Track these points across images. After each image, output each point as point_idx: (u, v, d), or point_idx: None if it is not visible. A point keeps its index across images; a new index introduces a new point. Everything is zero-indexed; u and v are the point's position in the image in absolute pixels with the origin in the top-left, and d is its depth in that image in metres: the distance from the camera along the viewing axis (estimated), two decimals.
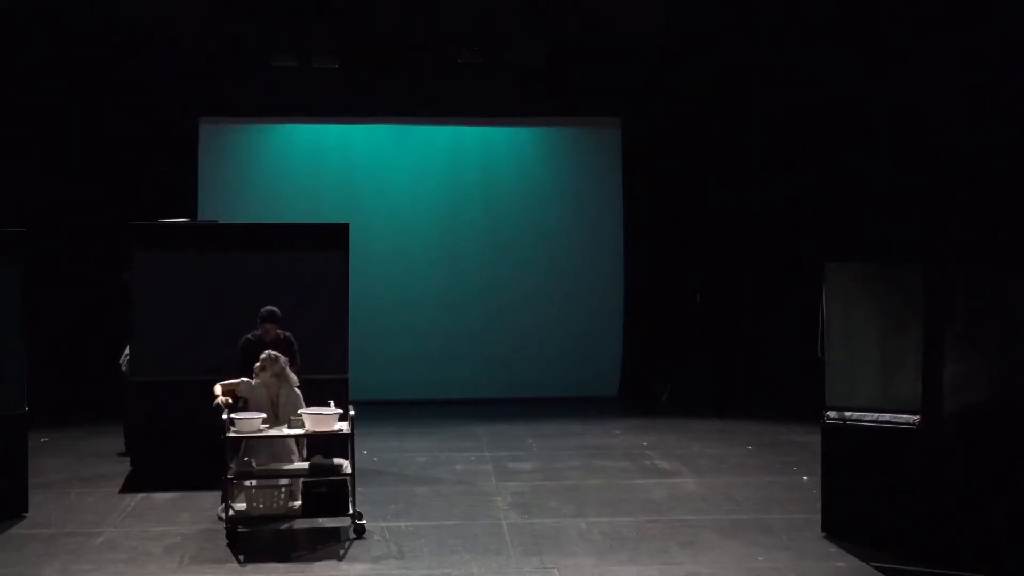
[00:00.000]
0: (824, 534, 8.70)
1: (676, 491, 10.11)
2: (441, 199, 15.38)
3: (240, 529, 8.73)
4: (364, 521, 8.83)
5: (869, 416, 8.53)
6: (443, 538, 8.73)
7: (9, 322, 9.18)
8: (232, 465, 8.74)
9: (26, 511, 9.32)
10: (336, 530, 8.87)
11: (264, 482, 8.75)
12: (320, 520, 8.87)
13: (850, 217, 14.28)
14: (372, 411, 13.42)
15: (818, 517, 8.82)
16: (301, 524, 8.91)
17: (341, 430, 8.88)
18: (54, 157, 14.51)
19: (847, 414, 8.61)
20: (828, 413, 8.67)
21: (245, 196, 14.96)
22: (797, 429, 12.56)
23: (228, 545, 8.49)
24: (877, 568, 8.00)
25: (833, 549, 8.43)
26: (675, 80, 15.15)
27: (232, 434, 8.68)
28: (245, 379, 9.19)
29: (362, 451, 11.63)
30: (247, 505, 8.80)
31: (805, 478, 10.43)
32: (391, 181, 15.32)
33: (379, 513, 9.43)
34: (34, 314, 10.21)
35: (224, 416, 8.71)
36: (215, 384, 9.13)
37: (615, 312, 15.53)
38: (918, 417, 8.31)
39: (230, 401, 8.98)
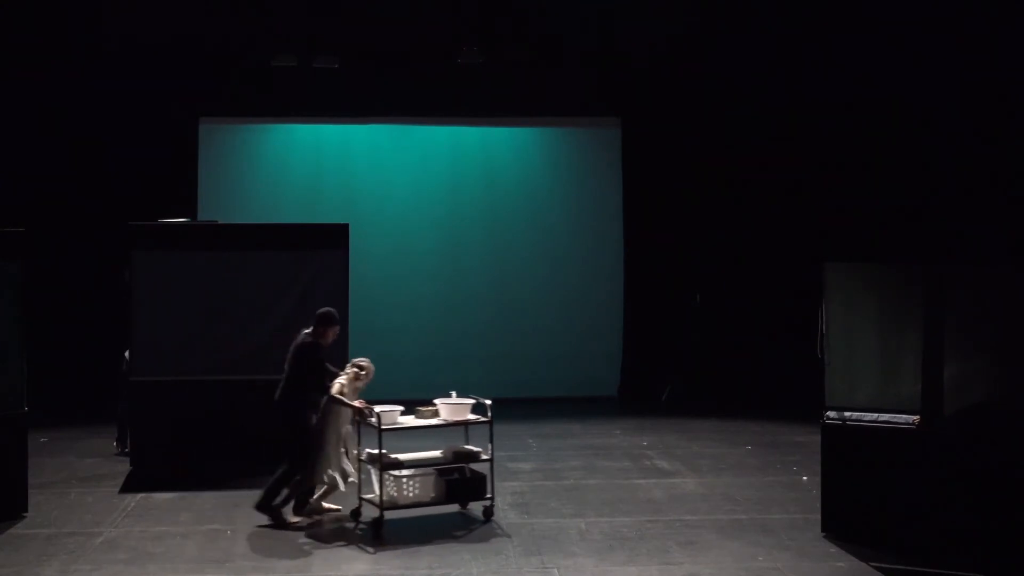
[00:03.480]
0: (824, 534, 8.70)
1: (676, 491, 10.11)
2: (441, 199, 15.38)
3: (353, 519, 9.10)
4: (494, 505, 9.20)
5: (869, 416, 8.53)
6: (443, 538, 8.72)
7: (9, 322, 9.18)
8: (321, 459, 8.99)
9: (26, 511, 9.32)
10: (463, 515, 9.27)
11: (398, 472, 9.05)
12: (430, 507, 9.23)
13: (850, 217, 14.27)
14: None
15: (818, 517, 8.82)
16: (428, 511, 9.24)
17: (476, 419, 9.18)
18: (54, 157, 14.51)
19: (847, 414, 8.61)
20: (828, 413, 8.67)
21: (245, 196, 14.96)
22: (797, 429, 12.56)
23: (371, 533, 8.75)
24: (877, 568, 8.00)
25: (833, 549, 8.43)
26: (675, 80, 15.15)
27: (384, 426, 8.88)
28: (342, 381, 9.15)
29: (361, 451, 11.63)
30: (381, 495, 8.91)
31: (805, 478, 10.42)
32: (391, 181, 15.32)
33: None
34: (34, 314, 10.22)
35: (367, 412, 8.99)
36: (336, 395, 9.06)
37: (615, 312, 15.53)
38: (918, 417, 8.31)
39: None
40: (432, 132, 15.48)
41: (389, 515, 8.91)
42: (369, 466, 9.11)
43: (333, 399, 9.01)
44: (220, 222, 12.42)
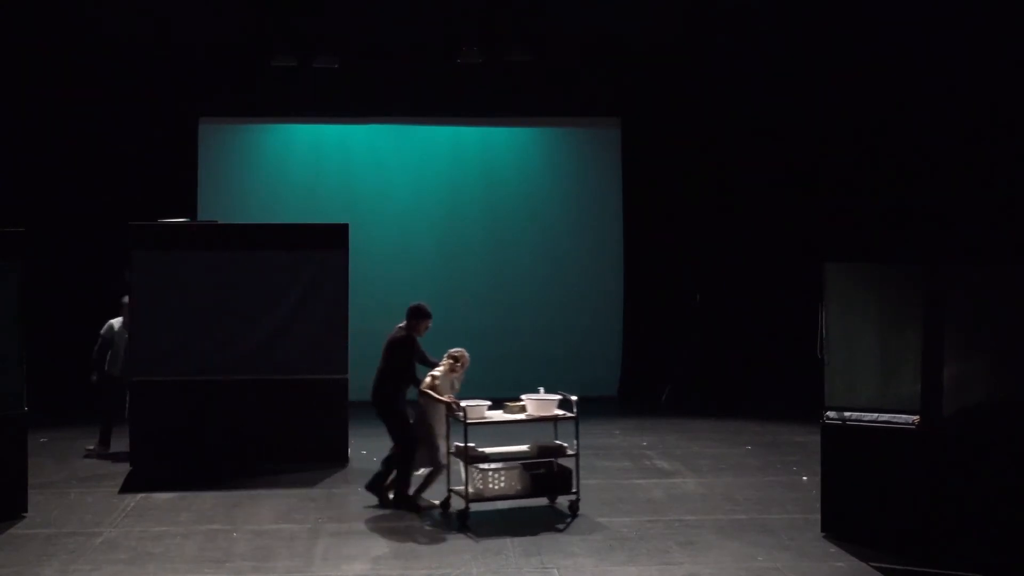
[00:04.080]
0: (824, 534, 8.70)
1: (676, 491, 10.10)
2: (441, 199, 15.38)
3: (433, 511, 9.40)
4: (579, 500, 9.33)
5: (869, 416, 8.53)
6: (443, 538, 8.73)
7: (9, 322, 9.18)
8: (422, 451, 9.34)
9: (26, 511, 9.32)
10: (550, 508, 9.47)
11: (486, 465, 9.29)
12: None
13: (850, 217, 14.27)
14: (372, 411, 13.44)
15: (818, 517, 8.82)
16: (515, 503, 9.40)
17: (563, 414, 9.35)
18: (54, 157, 14.51)
19: (847, 414, 8.61)
20: (828, 413, 8.67)
21: (245, 196, 14.96)
22: (797, 429, 12.56)
23: (459, 524, 8.99)
24: (877, 568, 8.00)
25: (833, 549, 8.43)
26: (675, 80, 15.16)
27: (470, 421, 9.12)
28: (436, 374, 9.43)
29: (362, 451, 11.63)
30: (467, 487, 9.19)
31: (805, 478, 10.42)
32: (391, 181, 15.32)
33: (379, 513, 9.44)
34: (33, 314, 10.22)
35: (454, 407, 9.24)
36: (426, 389, 9.35)
37: (615, 312, 15.53)
38: (917, 417, 8.31)
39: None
40: (432, 132, 15.48)
41: (475, 507, 9.12)
42: (457, 459, 9.35)
43: (422, 393, 9.32)
44: (220, 222, 12.42)
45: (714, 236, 15.23)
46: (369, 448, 11.85)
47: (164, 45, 14.38)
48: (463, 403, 9.20)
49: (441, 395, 9.33)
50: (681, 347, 14.99)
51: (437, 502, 9.48)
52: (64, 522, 9.17)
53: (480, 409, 9.26)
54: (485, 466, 9.28)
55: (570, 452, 9.42)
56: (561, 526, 9.04)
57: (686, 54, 14.97)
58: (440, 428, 9.41)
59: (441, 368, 9.46)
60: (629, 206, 15.52)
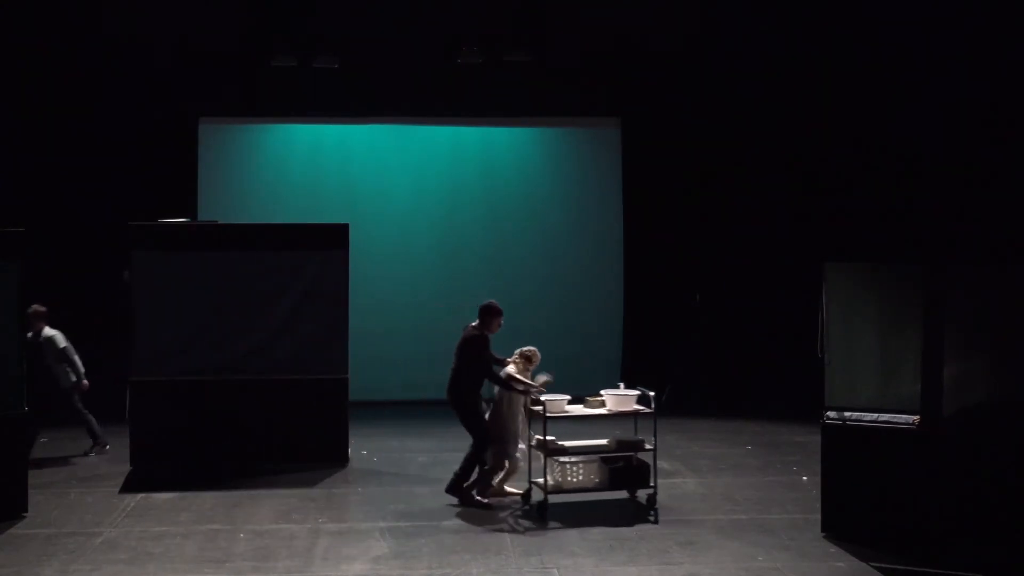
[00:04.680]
0: (824, 534, 8.70)
1: (676, 491, 10.10)
2: (441, 199, 15.38)
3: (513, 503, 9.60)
4: (656, 493, 9.45)
5: (869, 416, 8.53)
6: (443, 538, 8.73)
7: (9, 322, 9.18)
8: (494, 449, 9.50)
9: (26, 511, 9.32)
10: (629, 500, 9.64)
11: (566, 458, 9.47)
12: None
13: (850, 217, 14.27)
14: (372, 411, 13.48)
15: (818, 517, 8.82)
16: (594, 496, 9.61)
17: (640, 409, 9.46)
18: (54, 157, 14.51)
19: (847, 414, 8.61)
20: (828, 413, 8.67)
21: (245, 196, 14.96)
22: (797, 429, 12.56)
23: (538, 514, 9.22)
24: (877, 568, 8.00)
25: (833, 549, 8.43)
26: (675, 80, 15.15)
27: (550, 414, 9.31)
28: (509, 371, 9.59)
29: (362, 451, 11.64)
30: (546, 479, 9.38)
31: (805, 478, 10.43)
32: (391, 181, 15.32)
33: (379, 513, 9.44)
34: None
35: (535, 393, 9.42)
36: (510, 376, 9.56)
37: (615, 312, 15.53)
38: (918, 417, 8.31)
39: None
40: (432, 132, 15.48)
41: (554, 499, 9.26)
42: (537, 452, 9.49)
43: (511, 378, 9.47)
44: (220, 222, 12.42)
45: (714, 236, 15.23)
46: (369, 448, 11.88)
47: (164, 45, 14.38)
48: (548, 397, 9.40)
49: (517, 396, 9.52)
50: (681, 347, 14.99)
51: (520, 492, 9.66)
52: (64, 522, 9.17)
53: (560, 403, 9.47)
54: (565, 459, 9.45)
55: (648, 446, 9.53)
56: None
57: (686, 54, 14.97)
58: (514, 425, 9.56)
59: (513, 366, 9.62)
60: (629, 206, 15.52)
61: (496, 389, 9.59)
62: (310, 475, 10.64)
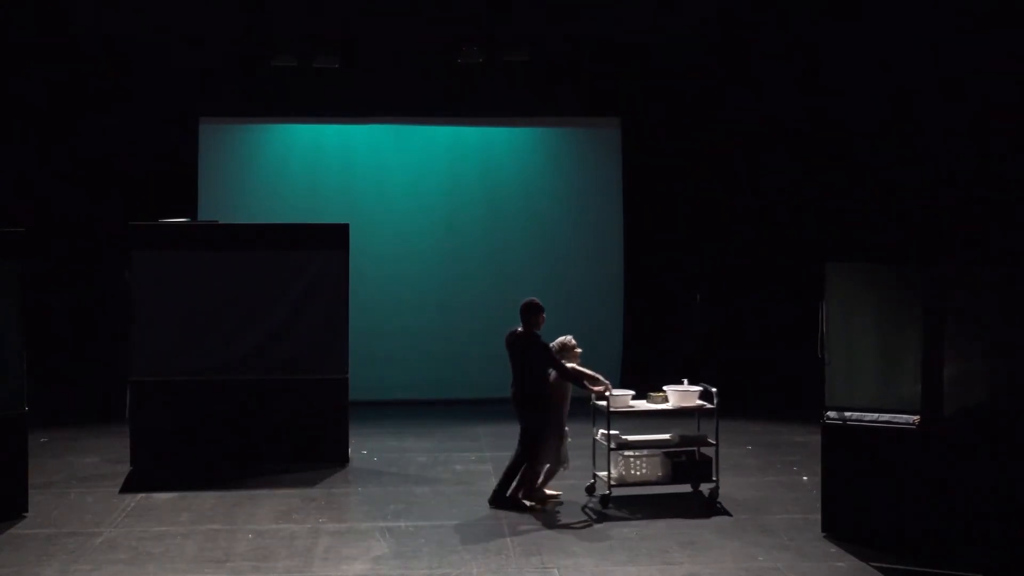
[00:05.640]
0: (824, 534, 8.70)
1: (676, 491, 10.09)
2: (441, 199, 15.37)
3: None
4: (718, 487, 9.68)
5: (869, 416, 8.53)
6: (443, 538, 8.73)
7: (9, 322, 9.18)
8: (550, 446, 9.53)
9: (26, 511, 9.32)
10: (690, 494, 9.83)
11: (630, 452, 9.76)
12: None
13: (850, 217, 14.27)
14: (372, 411, 13.48)
15: (818, 517, 8.83)
16: (659, 490, 9.81)
17: (703, 405, 9.65)
18: (54, 157, 14.51)
19: (847, 414, 8.62)
20: (828, 413, 8.67)
21: (245, 196, 14.95)
22: (797, 429, 12.56)
23: (602, 507, 9.49)
24: (877, 568, 8.00)
25: (833, 549, 8.43)
26: (675, 80, 15.15)
27: (615, 409, 9.52)
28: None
29: (362, 451, 11.65)
30: (610, 473, 9.59)
31: (805, 478, 10.43)
32: (391, 181, 15.31)
33: (379, 513, 9.44)
34: (34, 314, 10.22)
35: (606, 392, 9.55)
36: (578, 370, 9.64)
37: (615, 312, 15.52)
38: (918, 417, 8.32)
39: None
40: (432, 132, 15.47)
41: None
42: (603, 445, 9.62)
43: (580, 373, 9.58)
44: (220, 222, 12.42)
45: (714, 236, 15.23)
46: (369, 448, 11.88)
47: (164, 45, 14.37)
48: (614, 392, 9.59)
49: (567, 393, 9.63)
50: (681, 347, 14.97)
51: (559, 493, 9.72)
52: (64, 522, 9.17)
53: (625, 399, 9.65)
54: (629, 453, 9.69)
55: (711, 441, 9.67)
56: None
57: (686, 54, 14.96)
58: (564, 421, 9.64)
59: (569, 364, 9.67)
60: (629, 206, 15.51)
61: (553, 377, 9.56)
62: (310, 475, 10.64)
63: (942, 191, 13.61)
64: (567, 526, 9.05)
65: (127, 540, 8.68)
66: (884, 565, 8.04)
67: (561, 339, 9.79)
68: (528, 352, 9.57)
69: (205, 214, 14.34)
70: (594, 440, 9.81)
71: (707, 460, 9.73)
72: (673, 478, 9.72)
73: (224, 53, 14.54)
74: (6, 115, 14.26)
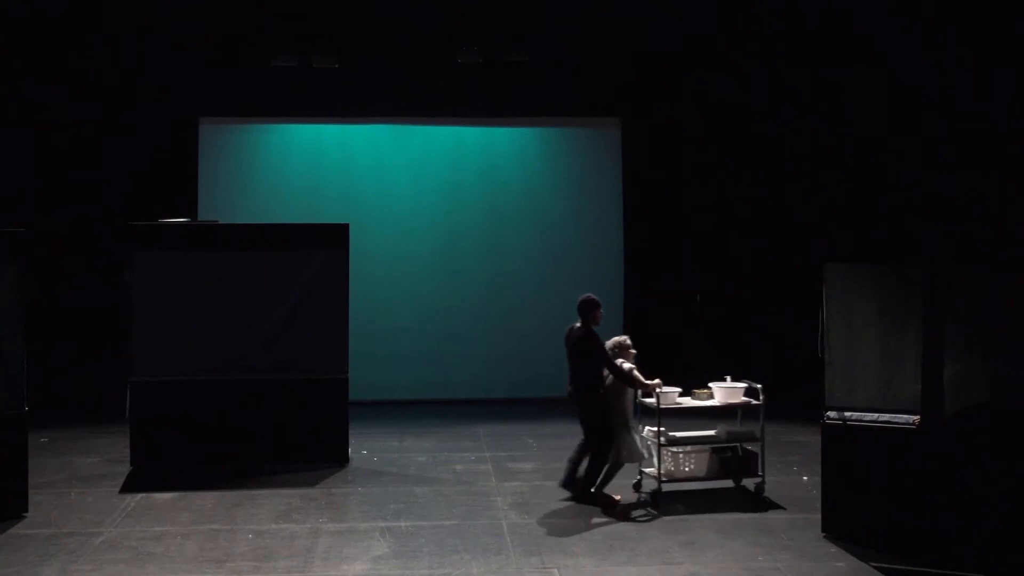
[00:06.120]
0: (824, 534, 8.70)
1: (675, 491, 10.09)
2: (441, 199, 15.38)
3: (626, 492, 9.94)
4: (764, 482, 9.78)
5: (869, 416, 8.53)
6: (443, 538, 8.73)
7: (9, 322, 9.18)
8: (626, 443, 9.60)
9: (26, 511, 9.33)
10: (734, 489, 10.00)
11: (678, 448, 9.87)
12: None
13: (850, 217, 14.27)
14: (372, 411, 13.49)
15: (818, 517, 8.83)
16: (709, 485, 10.02)
17: (750, 402, 9.81)
18: (54, 157, 14.52)
19: (847, 414, 8.62)
20: (828, 413, 8.67)
21: (245, 196, 14.96)
22: (797, 429, 12.56)
23: (651, 503, 9.60)
24: (877, 568, 8.00)
25: (833, 549, 8.43)
26: (675, 80, 15.16)
27: (663, 406, 9.62)
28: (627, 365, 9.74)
29: (362, 451, 11.65)
30: (660, 469, 9.66)
31: (805, 478, 10.43)
32: (391, 181, 15.32)
33: (379, 513, 9.44)
34: (34, 314, 10.22)
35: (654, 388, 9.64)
36: (633, 375, 9.70)
37: (615, 312, 15.46)
38: (918, 417, 8.32)
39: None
40: (432, 132, 15.48)
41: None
42: (650, 442, 9.78)
43: (635, 378, 9.61)
44: (220, 222, 12.42)
45: (714, 236, 15.23)
46: (369, 448, 11.88)
47: (164, 45, 14.38)
48: (662, 390, 9.66)
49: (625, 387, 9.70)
50: (681, 346, 14.98)
51: (618, 497, 9.69)
52: (64, 522, 9.17)
53: (672, 396, 9.76)
54: (677, 449, 9.80)
55: (757, 437, 9.78)
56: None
57: (686, 54, 14.96)
58: (625, 416, 9.68)
59: (626, 363, 9.73)
60: (629, 206, 15.52)
61: (609, 379, 9.65)
62: (310, 475, 10.65)
63: (942, 191, 13.60)
64: (567, 526, 9.05)
65: (127, 540, 8.68)
66: (884, 565, 8.04)
67: (616, 339, 9.88)
68: (584, 348, 9.68)
69: (205, 214, 14.35)
70: (639, 437, 9.86)
71: (752, 455, 9.87)
72: (721, 473, 9.89)
73: (224, 53, 14.54)
74: (6, 115, 14.26)
